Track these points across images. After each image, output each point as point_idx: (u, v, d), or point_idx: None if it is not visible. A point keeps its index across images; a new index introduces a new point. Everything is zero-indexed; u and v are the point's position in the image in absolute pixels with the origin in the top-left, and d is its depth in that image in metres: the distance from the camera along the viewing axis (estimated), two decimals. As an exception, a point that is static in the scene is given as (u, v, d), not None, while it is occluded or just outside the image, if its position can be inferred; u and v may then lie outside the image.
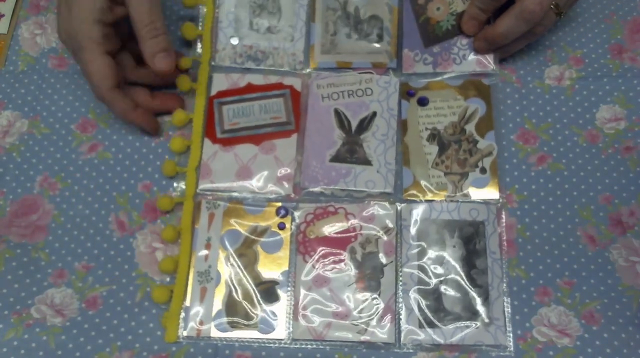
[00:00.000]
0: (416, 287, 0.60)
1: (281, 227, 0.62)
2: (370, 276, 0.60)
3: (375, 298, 0.59)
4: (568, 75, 0.69)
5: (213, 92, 0.68)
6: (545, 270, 0.61)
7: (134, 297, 0.61)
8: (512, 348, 0.58)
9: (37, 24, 0.73)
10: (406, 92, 0.67)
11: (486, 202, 0.63)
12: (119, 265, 0.62)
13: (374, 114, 0.66)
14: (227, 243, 0.62)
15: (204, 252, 0.62)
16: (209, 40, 0.70)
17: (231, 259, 0.61)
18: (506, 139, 0.66)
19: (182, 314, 0.59)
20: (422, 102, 0.67)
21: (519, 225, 0.63)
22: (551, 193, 0.64)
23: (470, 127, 0.66)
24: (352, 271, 0.60)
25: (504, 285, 0.60)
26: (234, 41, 0.69)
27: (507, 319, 0.59)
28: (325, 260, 0.61)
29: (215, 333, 0.59)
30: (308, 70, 0.69)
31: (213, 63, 0.69)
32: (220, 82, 0.68)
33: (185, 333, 0.59)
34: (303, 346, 0.58)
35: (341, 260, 0.61)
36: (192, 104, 0.68)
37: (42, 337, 0.59)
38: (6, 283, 0.61)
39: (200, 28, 0.70)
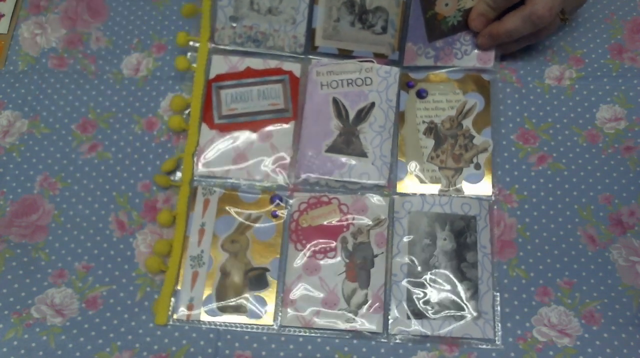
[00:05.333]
0: (406, 279, 0.60)
1: (274, 215, 0.63)
2: (361, 266, 0.61)
3: (364, 288, 0.60)
4: (568, 75, 0.69)
5: (212, 75, 0.68)
6: (545, 270, 0.61)
7: (134, 297, 0.61)
8: (499, 342, 0.58)
9: (37, 24, 0.73)
10: (406, 84, 0.68)
11: (479, 198, 0.63)
12: (119, 265, 0.62)
13: (372, 104, 0.66)
14: (220, 229, 0.62)
15: (198, 236, 0.62)
16: (208, 19, 0.69)
17: (224, 245, 0.61)
18: (506, 138, 0.66)
19: (173, 299, 0.60)
20: (421, 94, 0.67)
21: (519, 225, 0.63)
22: (551, 193, 0.64)
23: (468, 122, 0.66)
24: (343, 260, 0.61)
25: (494, 279, 0.60)
26: (234, 23, 0.68)
27: (495, 313, 0.59)
28: (317, 248, 0.61)
29: (204, 317, 0.59)
30: (309, 57, 0.68)
31: (212, 44, 0.69)
32: (220, 65, 0.68)
33: (175, 317, 0.59)
34: (295, 337, 0.58)
35: (332, 249, 0.61)
36: (189, 88, 0.68)
37: (42, 337, 0.59)
38: (6, 283, 0.61)
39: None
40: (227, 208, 0.63)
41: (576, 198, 0.64)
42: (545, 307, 0.59)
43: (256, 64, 0.68)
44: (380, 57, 0.68)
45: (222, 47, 0.69)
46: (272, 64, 0.68)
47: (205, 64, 0.68)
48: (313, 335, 0.59)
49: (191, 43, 0.69)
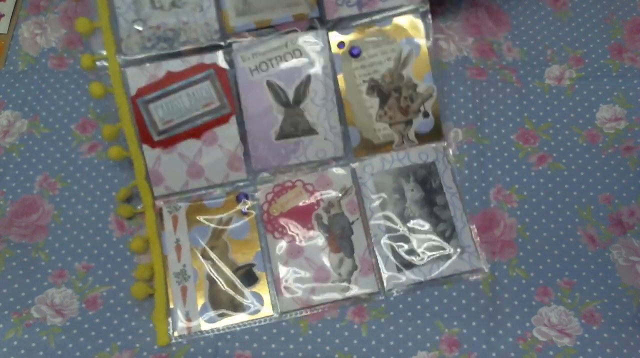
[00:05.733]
0: (386, 235, 0.61)
1: (244, 212, 0.63)
2: (341, 236, 0.62)
3: (350, 255, 0.61)
4: (568, 75, 0.69)
5: (133, 91, 0.63)
6: (545, 270, 0.61)
7: (133, 297, 0.61)
8: (487, 271, 0.60)
9: (37, 24, 0.73)
10: (337, 46, 0.65)
11: (433, 144, 0.65)
12: (119, 265, 0.62)
13: (308, 78, 0.64)
14: (196, 240, 0.62)
15: (175, 253, 0.62)
16: (109, 31, 0.63)
17: (204, 254, 0.62)
18: (506, 138, 0.66)
19: (169, 318, 0.60)
20: (354, 53, 0.65)
21: (519, 225, 0.63)
22: (551, 193, 0.64)
23: (408, 72, 0.66)
24: (323, 236, 0.62)
25: (466, 214, 0.62)
26: (139, 27, 0.63)
27: (476, 243, 0.61)
28: (295, 232, 0.62)
29: (205, 326, 0.59)
30: (228, 41, 0.64)
31: (123, 57, 0.63)
32: (137, 78, 0.63)
33: (176, 334, 0.59)
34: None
35: (310, 228, 0.62)
36: (115, 113, 0.64)
37: (42, 337, 0.59)
38: (6, 283, 0.61)
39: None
40: (196, 218, 0.63)
41: (576, 198, 0.64)
42: (545, 307, 0.59)
43: (175, 65, 0.63)
44: (301, 19, 0.64)
45: (132, 57, 0.63)
46: (193, 60, 0.63)
47: (122, 81, 0.63)
48: (313, 334, 0.59)
49: (99, 62, 0.63)
